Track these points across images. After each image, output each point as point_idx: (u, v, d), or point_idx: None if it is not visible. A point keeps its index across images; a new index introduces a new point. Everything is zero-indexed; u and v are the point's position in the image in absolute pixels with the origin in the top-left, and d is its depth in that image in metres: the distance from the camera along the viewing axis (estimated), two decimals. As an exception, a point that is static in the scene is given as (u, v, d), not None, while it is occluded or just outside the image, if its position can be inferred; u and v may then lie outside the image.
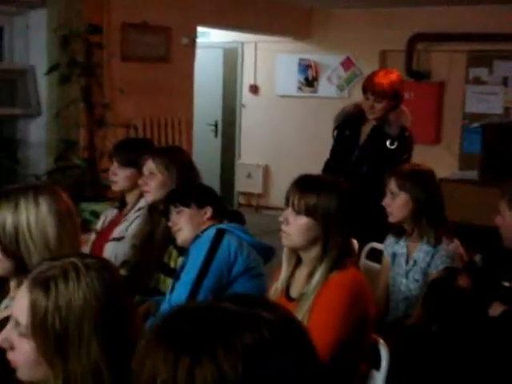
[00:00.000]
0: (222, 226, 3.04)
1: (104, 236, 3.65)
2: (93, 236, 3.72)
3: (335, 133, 4.59)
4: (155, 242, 3.36)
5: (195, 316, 1.15)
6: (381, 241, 3.65)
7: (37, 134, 5.82)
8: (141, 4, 6.52)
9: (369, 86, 4.38)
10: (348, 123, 4.51)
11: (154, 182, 3.40)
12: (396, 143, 4.31)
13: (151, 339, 1.15)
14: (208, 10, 7.32)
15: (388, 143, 4.32)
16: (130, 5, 6.41)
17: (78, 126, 5.71)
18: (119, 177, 3.66)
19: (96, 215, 4.40)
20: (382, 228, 3.57)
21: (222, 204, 3.28)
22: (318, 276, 2.53)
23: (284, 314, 1.18)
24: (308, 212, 2.55)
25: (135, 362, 1.16)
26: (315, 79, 9.06)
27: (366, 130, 4.44)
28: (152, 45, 6.80)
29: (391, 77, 4.40)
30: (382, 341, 2.60)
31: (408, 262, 3.33)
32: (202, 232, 3.04)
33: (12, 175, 5.54)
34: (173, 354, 1.10)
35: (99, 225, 3.80)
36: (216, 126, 9.49)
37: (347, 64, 8.81)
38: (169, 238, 3.24)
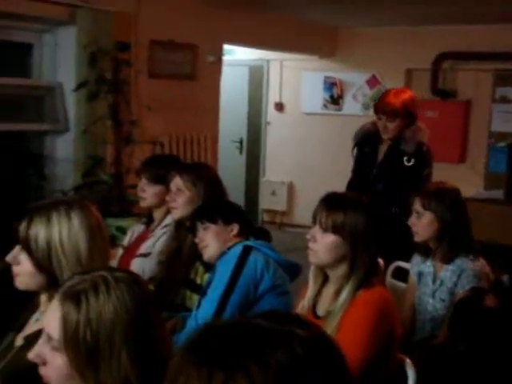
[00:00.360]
0: (248, 242, 3.05)
1: (131, 252, 3.68)
2: (120, 251, 3.75)
3: (355, 151, 4.61)
4: (182, 258, 3.37)
5: (228, 332, 1.16)
6: (405, 259, 3.65)
7: (64, 150, 5.88)
8: (168, 22, 6.58)
9: (380, 107, 4.41)
10: (367, 140, 4.52)
11: (181, 198, 3.42)
12: (413, 160, 4.31)
13: (184, 355, 1.15)
14: (234, 27, 7.37)
15: (405, 160, 4.32)
16: (158, 23, 6.48)
17: (105, 143, 5.76)
18: (148, 193, 3.69)
19: (122, 231, 4.43)
20: (406, 246, 3.57)
21: (249, 221, 3.29)
22: (345, 294, 2.53)
23: (316, 330, 1.18)
24: (335, 230, 2.55)
25: (168, 378, 1.16)
26: (340, 97, 9.07)
27: (383, 148, 4.45)
28: (179, 62, 6.86)
29: (403, 96, 4.41)
30: (408, 360, 2.59)
31: (435, 282, 3.31)
32: (229, 249, 3.05)
33: (39, 191, 5.60)
34: (207, 370, 1.10)
35: (126, 240, 3.82)
36: (241, 143, 9.52)
37: (372, 82, 8.81)
38: (195, 254, 3.26)
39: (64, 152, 5.87)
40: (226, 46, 7.67)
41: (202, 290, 3.08)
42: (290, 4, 7.12)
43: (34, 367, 1.75)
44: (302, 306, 2.64)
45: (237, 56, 8.99)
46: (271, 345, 1.10)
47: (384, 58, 8.53)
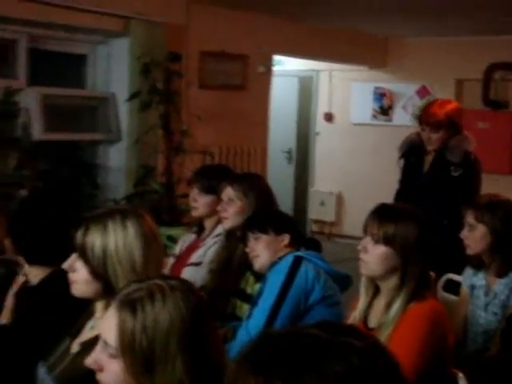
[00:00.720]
0: (299, 253, 3.06)
1: (182, 261, 3.71)
2: (171, 260, 3.79)
3: (401, 161, 4.59)
4: (232, 268, 3.40)
5: (285, 342, 1.17)
6: (456, 271, 3.61)
7: (116, 159, 5.96)
8: (219, 33, 6.65)
9: (424, 117, 4.38)
10: (413, 151, 4.50)
11: (232, 208, 3.44)
12: (461, 170, 4.27)
13: (241, 364, 1.17)
14: (284, 38, 7.40)
15: (452, 170, 4.29)
16: (209, 34, 6.55)
17: (157, 152, 5.83)
18: (199, 203, 3.72)
19: (172, 240, 4.47)
20: (457, 259, 3.53)
21: (299, 231, 3.30)
22: (396, 306, 2.53)
23: (372, 341, 1.19)
24: (386, 241, 2.55)
25: (228, 381, 1.18)
26: (390, 108, 9.03)
27: (429, 158, 4.42)
28: (229, 73, 6.91)
29: (447, 107, 4.37)
30: (461, 374, 2.57)
31: (487, 295, 3.28)
32: (280, 259, 3.06)
33: (92, 200, 5.69)
34: (264, 379, 1.11)
35: (177, 249, 3.86)
36: (290, 153, 9.54)
37: (423, 92, 8.76)
38: (246, 263, 3.27)
39: (116, 161, 5.96)
40: (276, 57, 7.71)
41: (252, 300, 3.10)
42: (340, 15, 7.13)
43: (89, 373, 1.79)
44: (354, 318, 2.63)
45: (286, 66, 9.02)
46: (328, 355, 1.11)
47: (434, 69, 8.47)
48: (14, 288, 2.75)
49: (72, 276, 2.21)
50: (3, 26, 5.23)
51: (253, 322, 2.92)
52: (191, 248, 3.76)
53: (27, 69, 5.47)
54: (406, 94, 8.89)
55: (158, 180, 5.79)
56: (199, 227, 3.84)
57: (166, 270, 3.66)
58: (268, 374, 1.11)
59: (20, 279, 2.76)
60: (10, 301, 2.74)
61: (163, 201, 5.67)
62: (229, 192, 3.48)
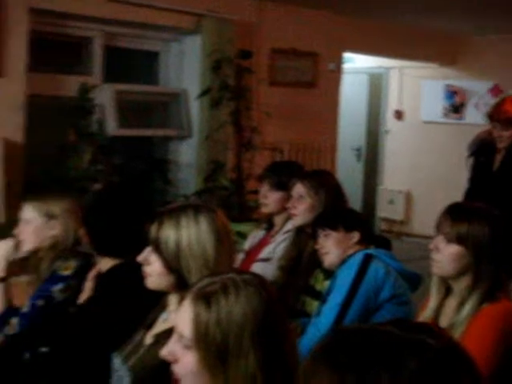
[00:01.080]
0: (369, 251, 3.05)
1: (252, 256, 3.74)
2: (241, 256, 3.82)
3: (471, 160, 4.52)
4: (302, 265, 3.41)
5: (360, 338, 1.17)
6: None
7: (187, 155, 6.04)
8: (289, 30, 6.66)
9: (494, 114, 4.30)
10: (482, 150, 4.43)
11: (302, 205, 3.45)
12: None
13: (316, 359, 1.18)
14: (355, 36, 7.37)
15: None
16: (279, 31, 6.56)
17: (227, 148, 5.88)
18: (270, 199, 3.74)
19: (242, 236, 4.50)
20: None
21: (370, 229, 3.29)
22: (468, 307, 2.49)
23: (448, 340, 1.18)
24: (459, 240, 2.52)
25: (300, 379, 1.19)
26: (462, 105, 8.90)
27: (499, 156, 4.34)
28: (299, 70, 6.92)
29: None
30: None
31: None
32: (349, 256, 3.06)
33: (163, 195, 5.78)
34: (338, 375, 1.12)
35: (247, 245, 3.89)
36: (359, 150, 9.49)
37: (495, 91, 8.59)
38: (315, 260, 3.28)
39: (187, 157, 6.03)
40: (346, 54, 7.68)
41: (322, 297, 3.10)
42: (411, 12, 7.06)
43: (162, 364, 1.82)
44: (424, 317, 2.61)
45: (357, 64, 8.97)
46: (403, 353, 1.11)
47: (507, 67, 8.31)
48: (89, 280, 2.82)
49: (146, 269, 2.25)
50: (80, 24, 5.36)
51: (322, 319, 2.92)
52: (261, 244, 3.78)
53: (102, 66, 5.59)
54: (478, 91, 8.74)
55: (228, 176, 5.84)
56: (269, 223, 3.87)
57: (236, 266, 3.70)
58: (342, 370, 1.12)
59: (94, 272, 2.83)
60: (85, 295, 2.80)
61: (233, 197, 5.72)
62: (299, 189, 3.49)
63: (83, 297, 2.79)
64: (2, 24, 4.70)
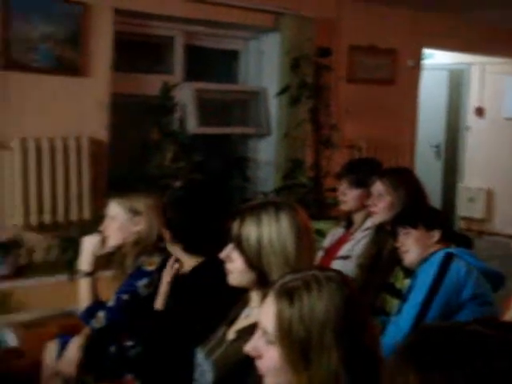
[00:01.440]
0: (450, 249, 3.02)
1: (331, 254, 3.75)
2: (320, 253, 3.83)
3: None
4: (381, 262, 3.40)
5: (444, 336, 1.17)
6: None
7: (266, 152, 6.07)
8: (368, 27, 6.62)
9: None
10: None
11: (382, 203, 3.44)
12: None
13: (400, 358, 1.18)
14: (435, 32, 7.26)
15: None
16: (358, 28, 6.53)
17: (305, 146, 5.89)
18: (348, 197, 3.75)
19: (320, 234, 4.51)
20: None
21: (450, 228, 3.25)
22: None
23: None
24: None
25: (386, 376, 1.20)
26: (546, 102, 8.68)
27: None
28: (378, 67, 6.87)
29: None
30: None
31: None
32: (430, 255, 3.04)
33: (242, 192, 5.84)
34: (422, 374, 1.13)
35: (326, 243, 3.90)
36: (438, 147, 9.36)
37: None
38: (395, 258, 3.26)
39: (266, 155, 6.07)
40: (426, 50, 7.58)
41: (401, 296, 3.09)
42: (492, 7, 6.92)
43: (244, 360, 1.86)
44: (510, 317, 2.58)
45: (436, 60, 8.84)
46: (491, 351, 1.11)
47: None
48: (168, 276, 2.88)
49: (229, 266, 2.28)
50: (162, 24, 5.46)
51: (403, 317, 2.91)
52: (340, 242, 3.79)
53: (183, 65, 5.68)
54: None
55: (307, 174, 5.85)
56: (348, 221, 3.87)
57: (315, 263, 3.71)
58: (427, 369, 1.12)
59: (174, 267, 2.88)
60: (164, 288, 2.87)
61: (311, 194, 5.72)
62: (378, 186, 3.48)
63: (161, 292, 2.85)
64: (87, 25, 4.83)
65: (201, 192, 3.03)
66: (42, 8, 4.63)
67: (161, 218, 2.96)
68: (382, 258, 3.40)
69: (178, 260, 2.88)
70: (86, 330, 3.01)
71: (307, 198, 5.62)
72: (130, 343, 2.95)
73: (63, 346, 3.00)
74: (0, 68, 4.53)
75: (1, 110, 4.56)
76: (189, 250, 2.81)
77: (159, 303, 2.84)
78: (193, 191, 3.07)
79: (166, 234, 2.91)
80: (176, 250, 2.85)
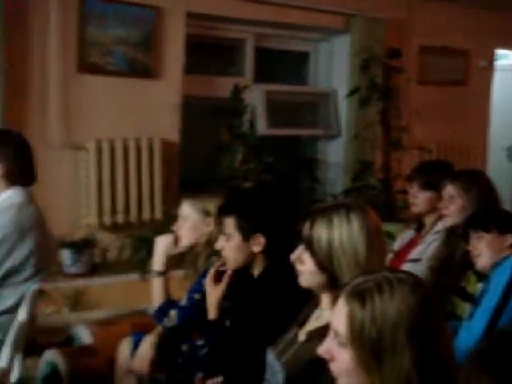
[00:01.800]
0: (524, 254, 2.97)
1: (401, 256, 3.73)
2: (389, 256, 3.81)
3: None
4: (453, 266, 3.36)
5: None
6: None
7: (335, 154, 6.08)
8: (439, 27, 6.55)
9: None
10: None
11: (453, 205, 3.40)
12: None
13: (473, 364, 1.18)
14: (508, 32, 7.14)
15: None
16: (429, 28, 6.47)
17: (375, 148, 5.87)
18: (419, 199, 3.72)
19: (390, 236, 4.48)
20: None
21: (524, 232, 3.19)
22: None
23: None
24: None
25: (459, 382, 1.19)
26: None
27: None
28: (449, 68, 6.79)
29: None
30: None
31: None
32: (503, 259, 2.99)
33: (311, 194, 5.85)
34: (496, 379, 1.12)
35: (396, 245, 3.88)
36: (510, 150, 9.16)
37: None
38: (467, 262, 3.22)
39: (335, 156, 6.07)
40: (499, 51, 7.46)
41: (473, 300, 3.05)
42: None
43: (315, 361, 1.87)
44: None
45: (510, 61, 8.67)
46: None
47: None
48: (226, 278, 2.89)
49: (299, 267, 2.28)
50: (233, 26, 5.51)
51: (475, 322, 2.87)
52: (410, 244, 3.76)
53: (253, 67, 5.72)
54: None
55: (376, 176, 5.83)
56: (418, 224, 3.84)
57: (386, 266, 3.69)
58: (501, 375, 1.11)
59: (216, 265, 2.90)
60: (220, 288, 2.87)
61: (380, 196, 5.69)
62: (450, 189, 3.44)
63: (218, 289, 2.86)
64: (160, 29, 4.92)
65: (270, 194, 3.04)
66: (117, 12, 4.73)
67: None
68: (453, 262, 3.36)
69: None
70: (159, 329, 3.05)
71: (376, 200, 5.59)
72: (201, 342, 2.98)
73: (136, 344, 3.05)
74: (75, 71, 4.64)
75: (76, 112, 4.68)
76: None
77: (211, 313, 2.86)
78: (262, 193, 3.08)
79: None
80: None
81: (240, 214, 2.76)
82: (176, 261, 3.24)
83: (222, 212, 2.82)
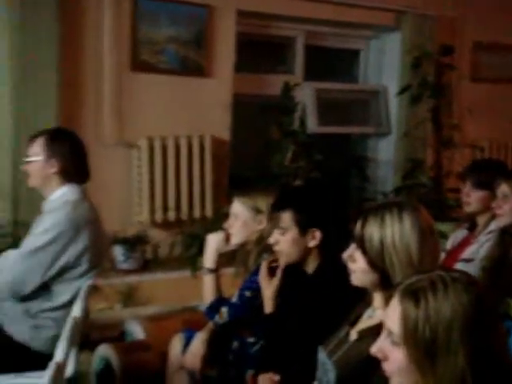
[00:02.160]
0: None
1: (454, 256, 3.69)
2: (442, 255, 3.78)
3: None
4: (507, 266, 3.32)
5: None
6: None
7: (385, 152, 6.04)
8: (492, 23, 6.44)
9: None
10: None
11: (507, 205, 3.37)
12: None
13: None
14: None
15: None
16: (482, 24, 6.37)
17: (426, 146, 5.82)
18: (472, 198, 3.68)
19: (441, 235, 4.45)
20: None
21: None
22: None
23: None
24: None
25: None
26: None
27: None
28: (502, 65, 6.69)
29: None
30: None
31: None
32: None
33: (361, 192, 5.83)
34: None
35: (449, 245, 3.84)
36: None
37: None
38: (521, 262, 3.18)
39: (385, 154, 6.03)
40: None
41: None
42: None
43: (366, 360, 1.86)
44: None
45: None
46: None
47: None
48: (278, 274, 2.89)
49: (351, 265, 2.27)
50: (283, 24, 5.52)
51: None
52: (463, 244, 3.72)
53: (303, 65, 5.72)
54: None
55: (427, 174, 5.78)
56: (471, 223, 3.80)
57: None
58: None
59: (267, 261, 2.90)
60: (273, 284, 2.88)
61: (431, 195, 5.64)
62: (504, 188, 3.40)
63: (273, 283, 2.87)
64: (211, 27, 4.95)
65: (324, 190, 3.04)
66: (168, 11, 4.77)
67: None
68: (507, 262, 3.32)
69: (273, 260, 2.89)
70: (210, 326, 3.07)
71: (427, 198, 5.53)
72: (252, 339, 3.00)
73: (188, 341, 3.08)
74: (128, 69, 4.70)
75: (129, 110, 4.74)
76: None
77: (268, 307, 2.86)
78: (313, 190, 3.08)
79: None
80: None
81: (298, 208, 2.75)
82: (227, 258, 3.26)
83: (279, 206, 2.82)
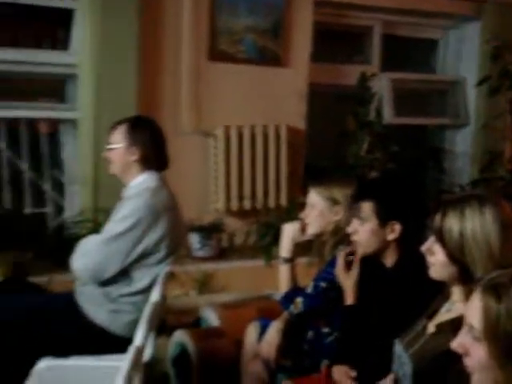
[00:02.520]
0: None
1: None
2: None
3: None
4: None
5: None
6: None
7: (463, 144, 5.95)
8: None
9: None
10: None
11: None
12: None
13: None
14: None
15: None
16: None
17: (504, 138, 5.71)
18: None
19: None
20: None
21: None
22: None
23: None
24: None
25: None
26: None
27: None
28: None
29: None
30: None
31: None
32: None
33: (438, 184, 5.75)
34: None
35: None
36: None
37: None
38: None
39: (462, 146, 5.95)
40: None
41: None
42: None
43: (444, 354, 1.85)
44: None
45: None
46: None
47: None
48: (355, 265, 2.88)
49: (430, 258, 2.25)
50: (360, 13, 5.48)
51: None
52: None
53: (380, 55, 5.67)
54: None
55: (505, 166, 5.67)
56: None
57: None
58: None
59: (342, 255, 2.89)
60: (352, 276, 2.87)
61: (509, 188, 5.53)
62: None
63: (352, 274, 2.86)
64: (288, 17, 4.95)
65: (403, 182, 3.01)
66: (247, 0, 4.79)
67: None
68: None
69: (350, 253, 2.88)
70: (285, 315, 3.08)
71: (506, 191, 5.43)
72: (326, 330, 3.01)
73: (263, 329, 3.09)
74: (206, 59, 4.75)
75: (206, 99, 4.78)
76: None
77: (350, 298, 2.86)
78: (398, 180, 3.05)
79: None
80: None
81: (379, 200, 2.75)
82: (302, 248, 3.27)
83: (360, 196, 2.81)
